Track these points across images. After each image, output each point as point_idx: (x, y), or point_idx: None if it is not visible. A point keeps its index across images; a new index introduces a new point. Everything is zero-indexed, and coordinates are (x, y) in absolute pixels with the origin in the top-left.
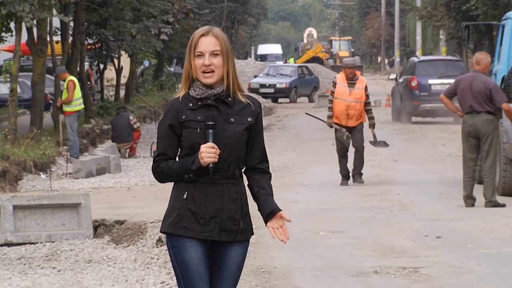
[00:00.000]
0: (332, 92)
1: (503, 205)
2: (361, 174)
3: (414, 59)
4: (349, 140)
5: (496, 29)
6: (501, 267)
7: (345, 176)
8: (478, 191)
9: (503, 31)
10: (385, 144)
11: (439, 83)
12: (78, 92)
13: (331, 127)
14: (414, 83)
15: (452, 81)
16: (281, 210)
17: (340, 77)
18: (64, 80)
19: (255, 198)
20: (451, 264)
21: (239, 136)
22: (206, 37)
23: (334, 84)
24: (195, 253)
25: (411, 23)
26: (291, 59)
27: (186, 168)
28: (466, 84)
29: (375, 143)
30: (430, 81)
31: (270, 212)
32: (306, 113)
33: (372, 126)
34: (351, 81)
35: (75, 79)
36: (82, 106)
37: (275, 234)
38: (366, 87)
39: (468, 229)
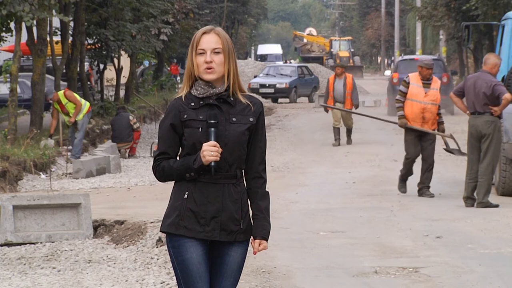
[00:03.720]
0: (403, 93)
1: (496, 206)
2: (429, 187)
3: (399, 58)
4: (461, 152)
5: (496, 29)
6: (501, 267)
7: (406, 180)
8: None
9: (503, 31)
10: (460, 152)
11: None
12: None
13: (404, 127)
14: (395, 80)
15: None
16: (267, 239)
17: (414, 77)
18: (57, 99)
19: (251, 217)
20: (451, 264)
21: (240, 136)
22: (208, 35)
23: (407, 84)
24: (195, 253)
25: (411, 23)
26: (299, 58)
27: (187, 166)
28: (471, 84)
29: (449, 150)
30: None
31: (260, 236)
32: (321, 105)
33: (442, 131)
34: (427, 81)
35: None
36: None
37: (255, 247)
38: (440, 88)
39: (468, 229)
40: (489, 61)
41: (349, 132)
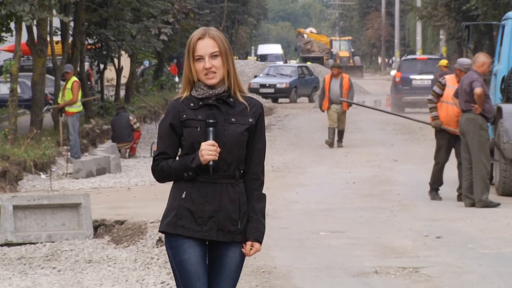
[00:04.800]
0: (437, 95)
1: (496, 205)
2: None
3: (402, 58)
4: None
5: (496, 29)
6: (501, 267)
7: (437, 189)
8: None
9: (503, 31)
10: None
11: (419, 78)
12: (80, 94)
13: (438, 128)
14: (398, 79)
15: (430, 76)
16: (260, 241)
17: (451, 79)
18: (68, 78)
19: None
20: (451, 264)
21: (239, 136)
22: (203, 40)
23: (442, 86)
24: (194, 254)
25: (411, 23)
26: (299, 58)
27: (185, 166)
28: (460, 83)
29: None
30: (412, 76)
31: (253, 238)
32: (341, 100)
33: None
34: None
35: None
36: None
37: (247, 250)
38: None
39: (468, 229)
40: (477, 59)
41: (341, 134)
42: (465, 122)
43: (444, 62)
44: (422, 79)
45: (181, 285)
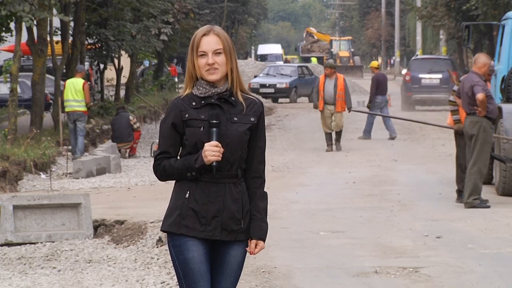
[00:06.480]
0: (459, 96)
1: (486, 206)
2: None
3: (413, 57)
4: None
5: (496, 29)
6: (501, 267)
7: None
8: (485, 191)
9: (503, 31)
10: (507, 159)
11: (428, 77)
12: (66, 94)
13: (460, 132)
14: (408, 77)
15: (439, 76)
16: (264, 239)
17: None
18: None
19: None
20: (451, 264)
21: (242, 135)
22: (208, 36)
23: None
24: (197, 252)
25: (411, 23)
26: (299, 58)
27: (189, 166)
28: (461, 85)
29: (496, 157)
30: (421, 75)
31: (257, 237)
32: (351, 110)
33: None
34: None
35: (71, 81)
36: (70, 108)
37: (251, 248)
38: None
39: (468, 229)
40: (479, 60)
41: (338, 135)
42: (469, 124)
43: (375, 63)
44: (431, 78)
45: (184, 283)
